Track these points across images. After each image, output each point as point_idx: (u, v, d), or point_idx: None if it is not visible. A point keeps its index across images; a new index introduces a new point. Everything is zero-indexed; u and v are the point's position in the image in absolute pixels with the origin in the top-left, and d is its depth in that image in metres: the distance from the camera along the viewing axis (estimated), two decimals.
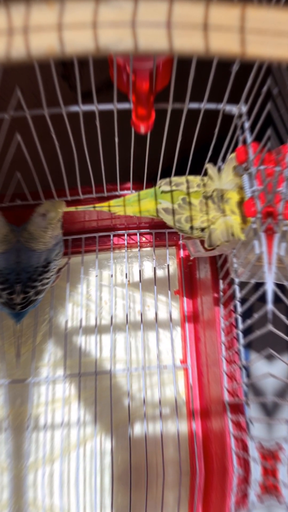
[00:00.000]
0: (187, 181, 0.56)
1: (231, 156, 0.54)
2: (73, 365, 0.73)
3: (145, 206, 0.57)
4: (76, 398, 0.71)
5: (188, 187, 0.55)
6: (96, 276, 0.78)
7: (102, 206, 0.59)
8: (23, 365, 0.73)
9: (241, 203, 0.52)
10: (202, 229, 0.54)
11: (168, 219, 0.56)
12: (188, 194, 0.54)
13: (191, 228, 0.54)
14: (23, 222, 0.64)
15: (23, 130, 0.53)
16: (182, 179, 0.56)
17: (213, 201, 0.53)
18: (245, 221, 0.51)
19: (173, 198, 0.55)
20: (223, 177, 0.54)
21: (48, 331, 0.74)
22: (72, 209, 0.61)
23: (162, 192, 0.56)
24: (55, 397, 0.72)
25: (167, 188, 0.56)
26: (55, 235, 0.64)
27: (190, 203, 0.54)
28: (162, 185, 0.57)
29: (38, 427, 0.70)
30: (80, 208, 0.61)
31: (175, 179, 0.57)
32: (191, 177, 0.56)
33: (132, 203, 0.58)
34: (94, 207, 0.59)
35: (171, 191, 0.55)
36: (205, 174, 0.56)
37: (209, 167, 0.55)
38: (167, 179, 0.57)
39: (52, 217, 0.61)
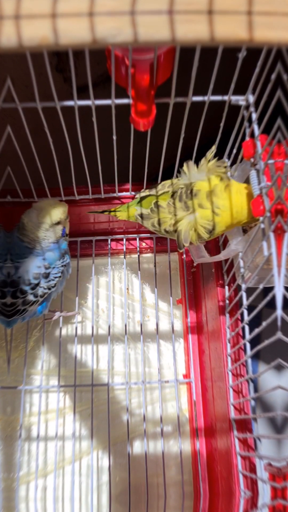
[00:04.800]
0: (160, 184, 0.59)
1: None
2: (68, 375, 0.73)
3: (131, 212, 0.62)
4: (71, 410, 0.70)
5: (157, 190, 0.58)
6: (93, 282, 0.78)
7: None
8: (14, 371, 0.72)
9: (212, 192, 0.53)
10: (175, 231, 0.56)
11: (144, 224, 0.60)
12: (157, 196, 0.57)
13: (166, 231, 0.57)
14: (12, 219, 0.65)
15: (15, 123, 0.53)
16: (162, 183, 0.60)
17: (180, 199, 0.55)
18: (216, 212, 0.53)
19: (148, 204, 0.59)
20: (196, 170, 0.56)
21: (40, 337, 0.74)
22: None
23: (140, 198, 0.60)
24: (48, 407, 0.71)
25: (143, 194, 0.60)
26: (49, 239, 0.63)
27: (159, 206, 0.57)
28: (141, 192, 0.61)
29: (31, 437, 0.70)
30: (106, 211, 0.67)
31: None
32: (167, 181, 0.59)
33: (122, 210, 0.64)
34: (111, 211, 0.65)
35: (141, 198, 0.60)
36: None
37: (185, 163, 0.57)
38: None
39: (43, 216, 0.61)
